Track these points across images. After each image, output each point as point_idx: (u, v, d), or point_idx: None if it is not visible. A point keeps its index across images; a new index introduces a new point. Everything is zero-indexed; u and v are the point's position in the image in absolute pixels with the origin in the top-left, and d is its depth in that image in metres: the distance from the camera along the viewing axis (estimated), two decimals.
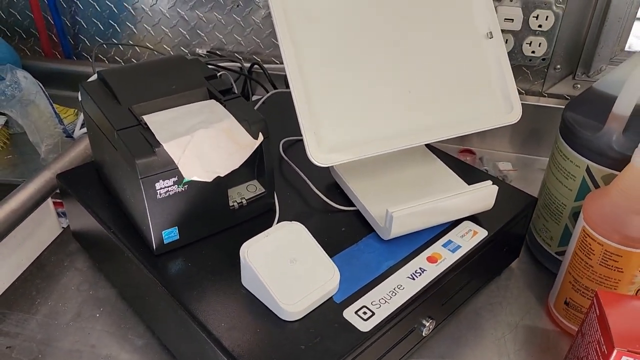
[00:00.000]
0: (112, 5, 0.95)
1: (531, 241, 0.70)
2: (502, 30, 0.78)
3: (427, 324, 0.53)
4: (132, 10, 0.94)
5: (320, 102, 0.52)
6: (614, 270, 0.53)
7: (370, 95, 0.55)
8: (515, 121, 0.59)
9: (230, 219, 0.56)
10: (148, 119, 0.51)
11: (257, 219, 0.58)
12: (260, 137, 0.50)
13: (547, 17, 0.75)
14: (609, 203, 0.52)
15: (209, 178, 0.47)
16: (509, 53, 0.80)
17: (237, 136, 0.50)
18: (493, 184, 0.57)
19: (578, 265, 0.56)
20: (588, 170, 0.59)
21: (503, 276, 0.67)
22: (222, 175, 0.47)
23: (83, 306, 0.61)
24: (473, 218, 0.59)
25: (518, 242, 0.66)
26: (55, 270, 0.66)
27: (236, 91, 0.76)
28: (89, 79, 0.59)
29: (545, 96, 0.87)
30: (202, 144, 0.49)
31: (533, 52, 0.79)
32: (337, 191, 0.62)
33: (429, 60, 0.58)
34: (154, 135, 0.49)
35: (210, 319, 0.47)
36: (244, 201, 0.56)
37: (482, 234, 0.57)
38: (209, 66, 0.80)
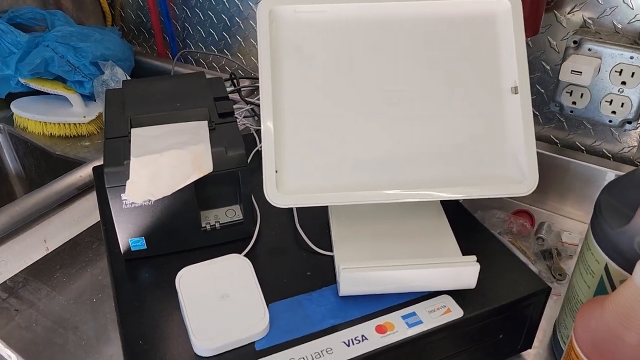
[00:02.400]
0: (213, 16, 1.02)
1: (553, 334, 0.59)
2: (572, 84, 0.67)
3: None
4: (227, 21, 1.00)
5: (290, 142, 0.50)
6: None
7: (349, 140, 0.51)
8: (525, 194, 0.51)
9: (201, 240, 0.57)
10: (135, 132, 0.55)
11: (234, 244, 0.58)
12: (207, 170, 0.50)
13: (633, 73, 0.62)
14: (600, 319, 0.42)
15: (140, 200, 0.48)
16: (584, 109, 0.68)
17: (201, 162, 0.51)
18: (478, 261, 0.49)
19: None
20: (607, 269, 0.48)
21: None
22: (153, 199, 0.48)
23: (87, 289, 0.67)
24: (455, 293, 0.52)
25: (525, 331, 0.56)
26: (83, 251, 0.73)
27: None
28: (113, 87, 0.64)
29: (638, 165, 0.72)
30: (165, 165, 0.50)
31: (613, 112, 0.66)
32: (328, 233, 0.59)
33: (432, 110, 0.52)
34: None
35: (133, 333, 0.48)
36: (218, 225, 0.56)
37: (455, 313, 0.50)
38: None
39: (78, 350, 0.59)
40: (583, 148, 0.76)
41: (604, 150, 0.74)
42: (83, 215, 0.80)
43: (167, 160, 0.51)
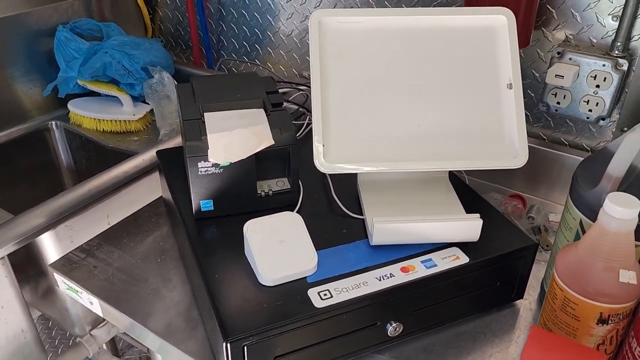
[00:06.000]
0: (246, 30, 1.16)
1: (541, 289, 0.72)
2: (556, 87, 0.81)
3: (394, 325, 0.61)
4: (259, 35, 1.15)
5: (333, 122, 0.64)
6: (572, 317, 0.56)
7: (380, 123, 0.65)
8: (518, 166, 0.64)
9: (257, 204, 0.70)
10: (207, 115, 0.68)
11: (282, 209, 0.71)
12: (270, 142, 0.63)
13: (605, 78, 0.77)
14: (575, 254, 0.56)
15: (223, 161, 0.62)
16: (566, 107, 0.82)
17: (263, 137, 0.64)
18: (481, 217, 0.63)
19: (547, 308, 0.59)
20: (581, 224, 0.61)
21: (503, 313, 0.71)
22: (232, 161, 0.62)
23: (152, 252, 0.80)
24: (462, 245, 0.65)
25: (517, 282, 0.69)
26: (144, 223, 0.86)
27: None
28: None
29: None
30: (235, 139, 0.64)
31: (590, 110, 0.80)
32: (356, 203, 0.72)
33: (444, 100, 0.66)
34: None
35: (209, 270, 0.61)
36: (271, 192, 0.70)
37: (462, 260, 0.63)
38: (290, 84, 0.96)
39: (150, 296, 0.72)
40: (567, 143, 0.90)
41: (584, 145, 0.88)
42: (139, 197, 0.93)
43: (236, 136, 0.64)
